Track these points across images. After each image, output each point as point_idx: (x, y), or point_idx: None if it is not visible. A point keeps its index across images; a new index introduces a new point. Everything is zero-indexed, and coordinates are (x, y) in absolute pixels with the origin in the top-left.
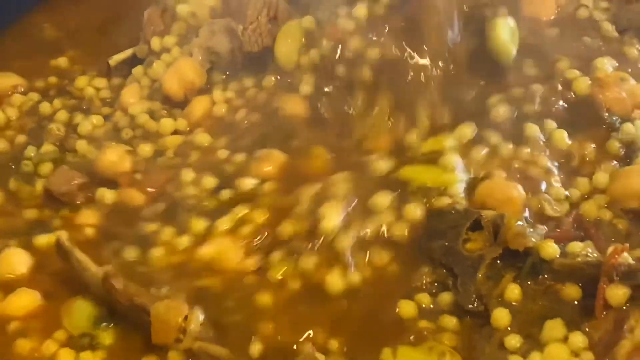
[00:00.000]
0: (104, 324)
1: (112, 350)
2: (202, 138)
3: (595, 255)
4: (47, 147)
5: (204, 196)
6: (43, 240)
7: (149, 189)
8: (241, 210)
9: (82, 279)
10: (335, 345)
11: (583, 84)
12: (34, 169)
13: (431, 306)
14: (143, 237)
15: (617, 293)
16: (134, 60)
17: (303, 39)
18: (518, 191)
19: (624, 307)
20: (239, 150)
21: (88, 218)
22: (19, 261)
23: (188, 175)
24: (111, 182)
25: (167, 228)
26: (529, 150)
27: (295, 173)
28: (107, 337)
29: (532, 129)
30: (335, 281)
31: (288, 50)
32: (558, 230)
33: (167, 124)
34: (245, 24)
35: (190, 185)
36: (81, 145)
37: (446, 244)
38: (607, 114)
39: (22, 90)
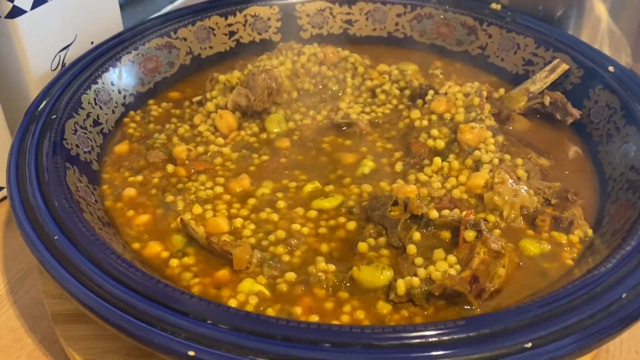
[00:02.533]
0: (189, 246)
1: (197, 258)
2: (226, 150)
3: (455, 215)
4: (162, 136)
5: (200, 188)
6: (137, 179)
7: (191, 170)
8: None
9: (195, 238)
10: (330, 267)
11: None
12: (152, 145)
13: (375, 245)
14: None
15: (469, 234)
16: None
17: (277, 124)
18: (412, 187)
19: (473, 241)
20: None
21: (156, 175)
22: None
23: (201, 176)
24: (175, 162)
25: (179, 197)
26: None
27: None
28: (191, 250)
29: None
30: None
31: (271, 127)
32: (441, 204)
33: (219, 140)
34: (255, 96)
35: (199, 180)
36: (175, 140)
37: (380, 213)
38: (466, 146)
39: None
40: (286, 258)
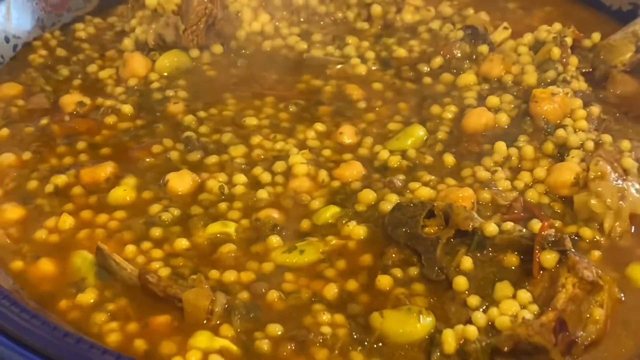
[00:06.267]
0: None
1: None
2: (127, 109)
3: (524, 230)
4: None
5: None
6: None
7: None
8: None
9: (120, 277)
10: (339, 319)
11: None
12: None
13: (404, 277)
14: None
15: (549, 258)
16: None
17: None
18: (468, 192)
19: (555, 268)
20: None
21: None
22: None
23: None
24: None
25: None
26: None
27: None
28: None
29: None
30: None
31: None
32: (511, 213)
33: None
34: (186, 25)
35: None
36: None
37: (408, 230)
38: (544, 123)
39: None
40: (268, 302)
